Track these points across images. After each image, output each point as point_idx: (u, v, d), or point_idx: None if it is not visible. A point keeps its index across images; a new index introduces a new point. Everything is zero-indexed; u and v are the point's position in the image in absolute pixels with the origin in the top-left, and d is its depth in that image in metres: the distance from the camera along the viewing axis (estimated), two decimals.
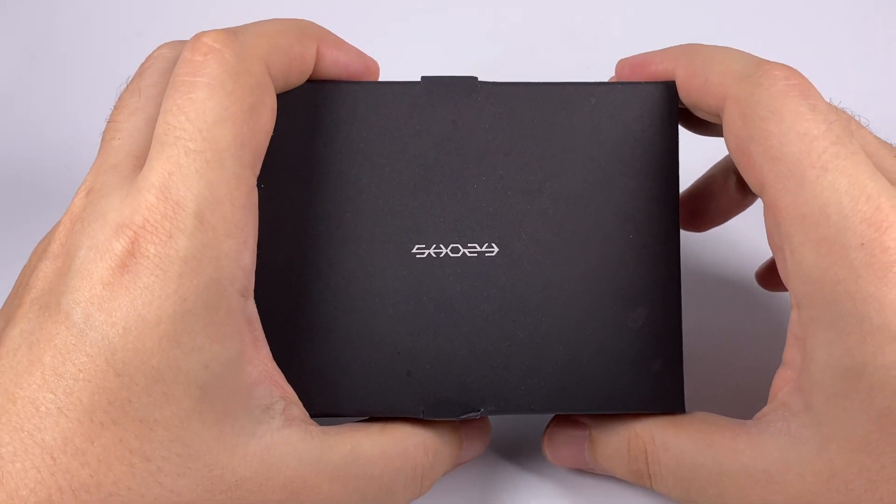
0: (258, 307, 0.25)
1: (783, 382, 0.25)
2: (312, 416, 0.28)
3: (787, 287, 0.25)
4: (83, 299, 0.20)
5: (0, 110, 0.41)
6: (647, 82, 0.28)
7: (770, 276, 0.35)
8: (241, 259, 0.22)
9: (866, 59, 0.44)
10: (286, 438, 0.23)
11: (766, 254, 0.36)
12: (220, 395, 0.22)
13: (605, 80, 0.30)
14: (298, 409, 0.25)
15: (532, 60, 0.42)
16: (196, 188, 0.21)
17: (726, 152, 0.32)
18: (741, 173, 0.26)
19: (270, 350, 0.25)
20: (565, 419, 0.30)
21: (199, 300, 0.21)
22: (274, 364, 0.25)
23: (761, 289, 0.36)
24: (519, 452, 0.33)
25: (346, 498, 0.24)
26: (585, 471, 0.30)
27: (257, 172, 0.24)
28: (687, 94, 0.27)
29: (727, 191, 0.33)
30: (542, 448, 0.30)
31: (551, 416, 0.31)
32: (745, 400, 0.34)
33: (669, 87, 0.28)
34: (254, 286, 0.24)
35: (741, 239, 0.38)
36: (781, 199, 0.24)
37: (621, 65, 0.30)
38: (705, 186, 0.34)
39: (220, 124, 0.22)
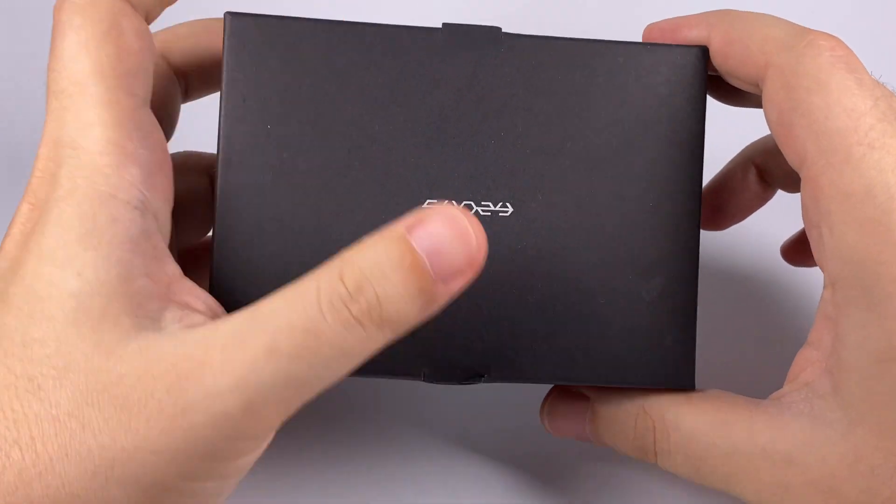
0: (262, 253, 0.24)
1: (807, 363, 0.25)
2: None
3: (820, 265, 0.24)
4: None
5: (0, 110, 0.40)
6: (678, 45, 0.27)
7: (797, 251, 0.34)
8: (123, 173, 0.22)
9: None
10: (171, 333, 0.22)
11: (781, 239, 0.35)
12: (97, 302, 0.21)
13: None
14: (203, 318, 0.23)
15: (560, 17, 0.41)
16: (63, 124, 0.22)
17: (750, 128, 0.31)
18: (780, 145, 0.25)
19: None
20: (566, 390, 0.29)
21: (73, 215, 0.22)
22: (185, 281, 0.23)
23: (779, 269, 0.35)
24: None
25: (245, 366, 0.21)
26: (582, 440, 0.29)
27: (140, 92, 0.24)
28: (723, 61, 0.26)
29: (747, 185, 0.32)
30: (540, 418, 0.29)
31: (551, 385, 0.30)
32: (756, 380, 0.33)
33: (701, 52, 0.27)
34: (168, 202, 0.24)
35: (758, 220, 0.37)
36: (824, 175, 0.23)
37: (650, 29, 0.29)
38: (724, 182, 0.33)
39: (75, 58, 0.23)
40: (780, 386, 0.26)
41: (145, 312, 0.22)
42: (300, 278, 0.22)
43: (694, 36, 0.27)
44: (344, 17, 0.26)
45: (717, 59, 0.27)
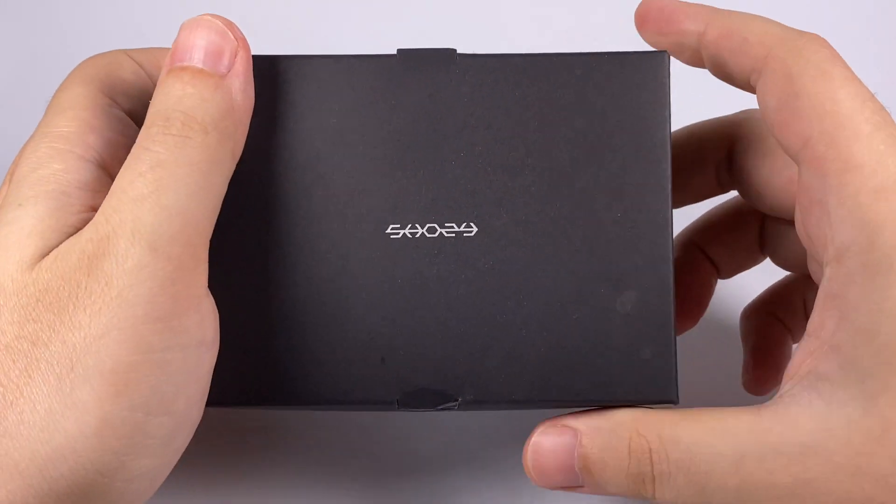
0: (222, 291, 0.24)
1: (807, 354, 0.24)
2: (279, 405, 0.26)
3: (818, 245, 0.24)
4: None
5: (0, 110, 0.41)
6: (637, 52, 0.27)
7: (759, 378, 0.33)
8: (84, 137, 0.24)
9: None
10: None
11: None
12: (27, 223, 0.23)
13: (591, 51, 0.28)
14: None
15: (517, 34, 0.41)
16: (47, 119, 0.25)
17: None
18: (777, 132, 0.25)
19: (236, 333, 0.25)
20: (551, 427, 0.28)
21: (29, 168, 0.24)
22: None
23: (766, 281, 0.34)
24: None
25: (135, 215, 0.23)
26: (572, 491, 0.28)
27: (121, 101, 0.26)
28: (717, 53, 0.27)
29: (701, 278, 0.33)
30: (523, 464, 0.28)
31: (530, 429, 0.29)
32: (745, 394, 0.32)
33: (662, 57, 0.26)
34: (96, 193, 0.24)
35: None
36: (830, 151, 0.23)
37: (646, 7, 0.28)
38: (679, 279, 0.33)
39: (73, 80, 0.26)
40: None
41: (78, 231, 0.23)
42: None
43: (690, 28, 0.27)
44: (296, 50, 0.27)
45: (710, 49, 0.27)
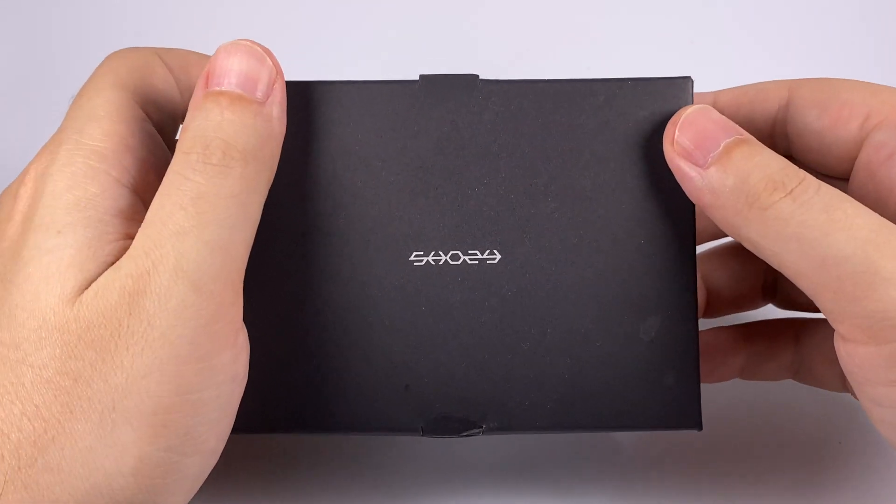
0: (248, 319, 0.24)
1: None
2: (303, 431, 0.26)
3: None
4: None
5: None
6: (660, 77, 0.27)
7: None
8: (120, 157, 0.24)
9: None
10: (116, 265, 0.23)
11: None
12: (67, 254, 0.23)
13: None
14: None
15: (528, 60, 0.41)
16: (75, 118, 0.24)
17: None
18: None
19: (263, 362, 0.25)
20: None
21: (65, 186, 0.23)
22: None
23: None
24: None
25: (181, 258, 0.22)
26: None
27: (154, 114, 0.26)
28: (817, 120, 0.27)
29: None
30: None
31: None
32: (748, 433, 0.32)
33: (685, 84, 0.26)
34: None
35: None
36: None
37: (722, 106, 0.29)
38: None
39: (104, 74, 0.26)
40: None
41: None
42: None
43: (774, 98, 0.28)
44: (320, 75, 0.27)
45: (809, 118, 0.27)
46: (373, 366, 0.26)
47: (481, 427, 0.26)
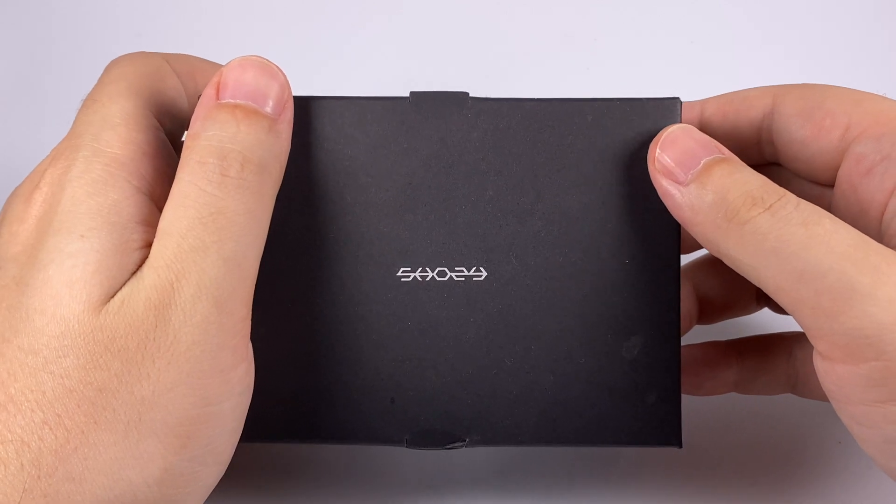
0: None
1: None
2: (291, 441, 0.27)
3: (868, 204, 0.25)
4: None
5: None
6: (648, 98, 0.27)
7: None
8: (139, 165, 0.24)
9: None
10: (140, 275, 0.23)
11: None
12: (92, 258, 0.22)
13: (606, 85, 0.28)
14: None
15: (530, 63, 0.41)
16: (90, 123, 0.24)
17: None
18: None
19: (253, 372, 0.25)
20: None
21: (85, 193, 0.23)
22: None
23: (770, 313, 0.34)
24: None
25: (203, 278, 0.22)
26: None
27: (168, 124, 0.26)
28: (800, 129, 0.27)
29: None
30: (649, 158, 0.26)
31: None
32: (749, 433, 0.33)
33: (673, 104, 0.26)
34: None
35: None
36: None
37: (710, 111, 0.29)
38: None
39: (119, 78, 0.26)
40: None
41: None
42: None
43: (758, 106, 0.28)
44: (311, 90, 0.27)
45: (792, 127, 0.27)
46: (359, 378, 0.26)
47: (465, 440, 0.26)
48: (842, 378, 0.23)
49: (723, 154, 0.25)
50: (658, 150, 0.25)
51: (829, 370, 0.23)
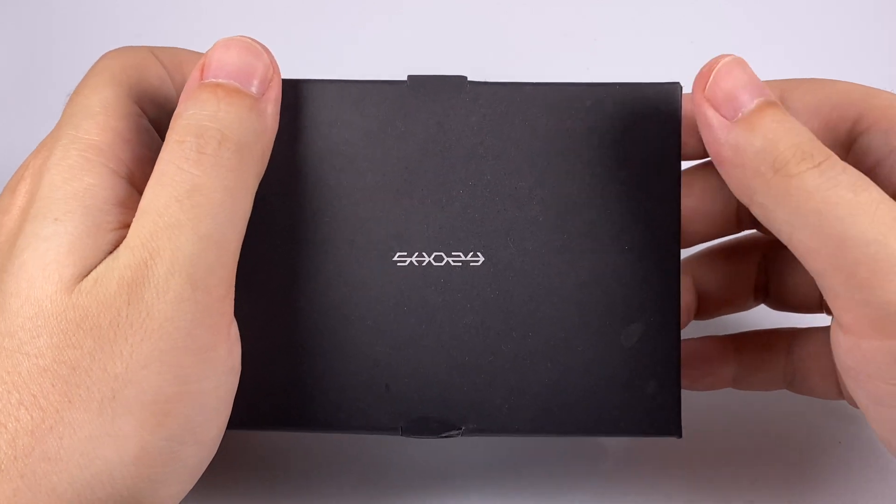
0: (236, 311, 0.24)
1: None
2: (284, 429, 0.27)
3: None
4: None
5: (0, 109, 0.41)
6: (648, 83, 0.26)
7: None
8: (116, 150, 0.24)
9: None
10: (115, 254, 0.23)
11: None
12: (66, 241, 0.22)
13: (604, 79, 0.28)
14: None
15: (529, 63, 0.41)
16: (71, 115, 0.24)
17: None
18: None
19: (244, 358, 0.25)
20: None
21: (62, 179, 0.23)
22: None
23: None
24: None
25: (174, 252, 0.22)
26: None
27: (149, 111, 0.26)
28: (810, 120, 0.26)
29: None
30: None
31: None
32: (748, 424, 0.32)
33: (674, 89, 0.26)
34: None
35: None
36: None
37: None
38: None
39: (100, 71, 0.26)
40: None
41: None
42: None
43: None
44: (309, 74, 0.27)
45: (800, 121, 0.25)
46: (354, 365, 0.26)
47: (460, 429, 0.26)
48: (867, 354, 0.22)
49: (773, 99, 0.24)
50: (711, 79, 0.24)
51: (853, 345, 0.23)
